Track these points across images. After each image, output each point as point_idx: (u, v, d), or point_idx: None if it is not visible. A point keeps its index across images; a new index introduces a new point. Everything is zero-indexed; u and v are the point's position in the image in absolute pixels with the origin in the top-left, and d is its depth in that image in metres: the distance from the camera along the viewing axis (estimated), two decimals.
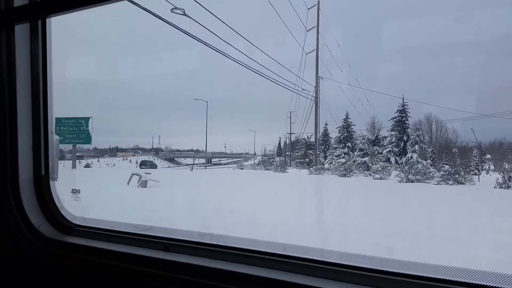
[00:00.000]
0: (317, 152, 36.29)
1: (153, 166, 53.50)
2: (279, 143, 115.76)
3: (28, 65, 2.00)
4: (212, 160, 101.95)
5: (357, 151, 30.30)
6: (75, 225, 2.22)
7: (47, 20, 2.03)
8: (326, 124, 52.72)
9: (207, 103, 50.24)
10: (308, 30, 31.68)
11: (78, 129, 23.80)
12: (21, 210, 2.07)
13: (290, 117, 62.45)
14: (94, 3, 1.69)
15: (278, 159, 74.02)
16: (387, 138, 45.04)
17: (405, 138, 42.97)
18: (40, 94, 2.07)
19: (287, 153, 69.26)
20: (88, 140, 23.76)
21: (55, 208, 2.22)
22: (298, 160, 56.64)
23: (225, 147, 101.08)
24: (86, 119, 23.64)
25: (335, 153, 34.73)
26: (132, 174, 12.57)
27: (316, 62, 32.18)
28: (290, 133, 63.74)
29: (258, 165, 57.94)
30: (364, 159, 27.18)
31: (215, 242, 1.83)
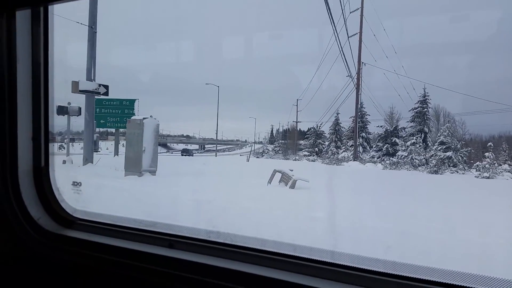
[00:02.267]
0: (356, 143, 34.32)
1: (190, 153, 51.22)
2: (272, 131, 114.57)
3: (29, 52, 1.95)
4: (206, 146, 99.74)
5: (437, 144, 28.49)
6: (76, 218, 2.16)
7: (49, 6, 1.98)
8: (338, 113, 51.38)
9: (219, 88, 47.91)
10: (351, 12, 29.34)
11: (121, 112, 20.87)
12: (20, 201, 2.03)
13: (297, 105, 61.02)
14: None
15: (271, 147, 72.84)
16: (405, 129, 44.16)
17: (426, 129, 42.13)
18: (41, 83, 2.00)
19: (287, 141, 67.94)
20: None
21: (55, 200, 2.16)
22: (307, 150, 55.25)
23: (216, 133, 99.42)
24: (132, 101, 20.74)
25: (407, 145, 32.65)
26: (275, 171, 10.11)
27: (359, 46, 29.98)
28: (297, 121, 62.21)
29: (264, 153, 55.86)
30: (448, 153, 25.38)
31: (221, 240, 1.78)
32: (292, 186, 9.53)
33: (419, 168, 25.46)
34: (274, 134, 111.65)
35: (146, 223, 2.13)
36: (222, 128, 53.23)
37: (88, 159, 13.71)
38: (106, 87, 13.78)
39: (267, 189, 9.81)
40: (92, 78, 13.46)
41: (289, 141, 65.34)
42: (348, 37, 28.85)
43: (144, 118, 11.54)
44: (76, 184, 5.61)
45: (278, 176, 10.37)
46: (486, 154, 31.44)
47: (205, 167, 18.22)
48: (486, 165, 19.97)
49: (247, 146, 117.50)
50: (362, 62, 30.04)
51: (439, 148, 26.76)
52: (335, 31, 28.71)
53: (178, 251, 1.79)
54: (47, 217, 2.12)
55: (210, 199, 7.66)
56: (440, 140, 27.14)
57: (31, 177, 2.08)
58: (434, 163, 22.66)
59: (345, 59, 31.19)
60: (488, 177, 18.74)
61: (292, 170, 10.20)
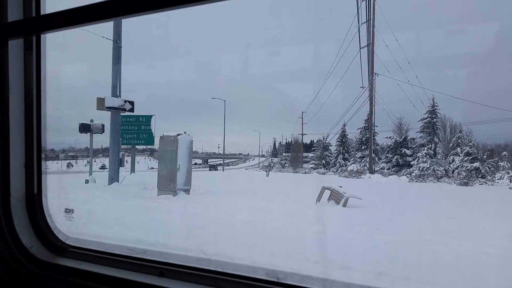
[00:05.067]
0: (371, 155, 33.82)
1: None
2: (274, 144, 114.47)
3: (21, 80, 1.98)
4: (209, 161, 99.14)
5: (462, 155, 27.98)
6: (68, 245, 2.13)
7: (42, 35, 2.01)
8: (344, 125, 51.08)
9: (225, 102, 47.63)
10: (363, 23, 29.16)
11: (138, 129, 20.44)
12: (11, 229, 2.00)
13: (302, 118, 60.72)
14: (90, 21, 1.69)
15: (276, 160, 72.32)
16: (414, 140, 43.84)
17: (436, 139, 41.80)
18: (33, 110, 2.02)
19: (291, 154, 67.43)
20: (150, 141, 20.44)
21: (48, 227, 2.14)
22: (313, 162, 54.73)
23: (218, 147, 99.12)
24: (148, 117, 20.31)
25: (418, 155, 32.16)
26: (324, 189, 9.59)
27: (372, 57, 29.72)
28: (302, 134, 61.80)
29: (272, 167, 55.25)
30: (475, 164, 24.87)
31: (212, 268, 1.77)
32: (345, 205, 9.00)
33: (442, 179, 25.00)
34: (277, 147, 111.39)
35: (137, 250, 2.12)
36: (225, 142, 52.88)
37: (114, 178, 13.17)
38: (132, 103, 13.34)
39: (319, 208, 9.29)
40: (118, 94, 13.00)
41: (292, 153, 64.86)
42: (360, 48, 28.60)
43: (178, 135, 11.05)
44: (68, 211, 5.24)
45: (326, 193, 9.84)
46: (501, 164, 31.08)
47: (233, 184, 17.67)
48: None
49: (250, 160, 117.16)
50: (375, 73, 29.73)
51: (465, 159, 26.27)
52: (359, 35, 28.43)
53: (169, 280, 1.78)
54: (40, 245, 2.10)
55: (270, 221, 7.13)
56: (466, 151, 26.65)
57: (24, 204, 2.07)
58: (464, 174, 22.08)
59: (361, 69, 30.82)
60: None
61: (341, 187, 9.68)
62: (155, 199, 10.34)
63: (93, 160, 18.86)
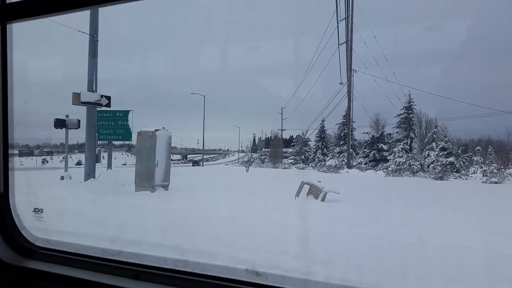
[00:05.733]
0: (349, 150, 34.19)
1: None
2: (254, 140, 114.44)
3: None
4: (188, 156, 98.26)
5: (437, 149, 28.48)
6: (37, 247, 2.02)
7: (8, 25, 1.90)
8: (323, 121, 51.55)
9: (205, 97, 47.35)
10: (341, 20, 29.40)
11: (115, 124, 20.10)
12: None
13: (282, 113, 60.93)
14: (57, 11, 1.63)
15: (256, 155, 72.46)
16: (391, 135, 44.65)
17: (412, 135, 42.66)
18: None
19: (270, 149, 67.64)
20: (127, 136, 20.16)
21: (15, 228, 2.04)
22: (293, 157, 55.05)
23: (197, 143, 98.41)
24: (125, 112, 20.02)
25: (394, 150, 32.67)
26: (303, 183, 9.64)
27: (350, 53, 30.02)
28: (282, 129, 62.03)
29: (251, 162, 55.29)
30: (449, 159, 25.37)
31: (189, 270, 1.71)
32: (323, 199, 9.08)
33: (417, 174, 25.54)
34: (256, 143, 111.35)
35: (111, 252, 2.05)
36: (204, 137, 52.44)
37: (90, 175, 12.91)
38: (108, 98, 13.08)
39: (298, 203, 9.32)
40: (94, 89, 12.72)
41: (272, 149, 65.09)
42: (339, 45, 28.85)
43: (156, 130, 10.89)
44: (37, 211, 5.05)
45: (305, 188, 9.89)
46: (475, 158, 31.99)
47: (213, 179, 17.58)
48: (494, 170, 20.01)
49: (230, 155, 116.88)
50: (354, 70, 30.06)
51: (440, 153, 26.87)
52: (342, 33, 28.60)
53: (144, 282, 1.71)
54: (6, 247, 2.00)
55: (249, 217, 7.13)
56: (441, 146, 27.25)
57: None
58: (439, 169, 22.60)
59: (340, 66, 31.07)
60: (496, 182, 18.77)
61: (320, 182, 9.75)
62: (132, 196, 10.17)
63: (69, 156, 18.41)
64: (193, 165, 53.67)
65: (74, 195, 10.13)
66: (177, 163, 74.34)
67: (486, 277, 4.04)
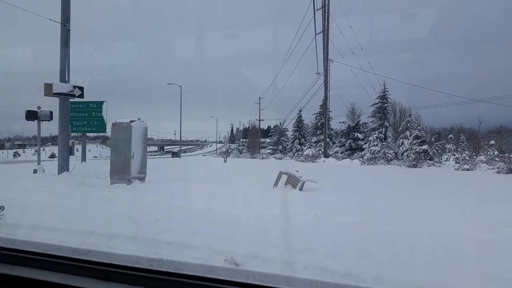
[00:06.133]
0: (326, 139, 34.49)
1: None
2: (232, 130, 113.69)
3: None
4: (165, 147, 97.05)
5: (411, 138, 28.95)
6: None
7: None
8: (300, 111, 51.83)
9: (181, 88, 46.74)
10: (318, 9, 29.45)
11: (89, 115, 19.69)
12: None
13: (259, 103, 60.84)
14: None
15: (234, 146, 72.36)
16: (366, 124, 45.36)
17: (386, 124, 43.46)
18: None
19: (248, 139, 67.62)
20: (102, 128, 19.79)
21: None
22: (271, 147, 55.24)
23: (174, 134, 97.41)
24: (99, 103, 19.62)
25: (369, 139, 33.12)
26: (281, 173, 9.67)
27: (326, 43, 30.14)
28: (259, 119, 62.02)
29: (229, 153, 55.15)
30: (423, 147, 25.83)
31: (164, 269, 1.60)
32: (301, 188, 9.13)
33: (392, 162, 26.03)
34: (234, 133, 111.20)
35: (79, 251, 1.92)
36: (182, 128, 51.86)
37: (63, 167, 12.58)
38: (81, 89, 12.71)
39: (277, 192, 9.34)
40: (67, 80, 12.33)
41: (250, 139, 65.14)
42: (316, 34, 28.89)
43: (131, 121, 10.68)
44: None
45: (283, 177, 9.92)
46: (447, 146, 32.84)
47: (190, 171, 17.43)
48: (466, 157, 20.56)
49: (207, 146, 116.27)
50: (330, 59, 30.20)
51: (414, 142, 27.43)
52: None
53: (115, 284, 1.62)
54: None
55: (228, 207, 7.09)
56: (415, 134, 27.80)
57: None
58: (413, 157, 23.08)
59: (317, 55, 31.12)
60: (468, 169, 19.31)
61: (298, 171, 9.80)
62: (107, 188, 9.98)
63: (42, 149, 17.91)
64: (172, 156, 53.94)
65: (46, 189, 9.86)
66: (153, 155, 73.53)
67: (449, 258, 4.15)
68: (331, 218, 6.35)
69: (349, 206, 7.31)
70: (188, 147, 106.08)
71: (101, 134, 26.76)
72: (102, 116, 19.48)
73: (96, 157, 45.34)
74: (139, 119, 10.92)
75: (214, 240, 4.73)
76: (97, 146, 74.50)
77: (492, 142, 25.78)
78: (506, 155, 19.10)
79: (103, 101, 19.53)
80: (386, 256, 4.32)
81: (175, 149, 77.35)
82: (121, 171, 10.70)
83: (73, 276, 1.65)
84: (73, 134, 20.64)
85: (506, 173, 16.88)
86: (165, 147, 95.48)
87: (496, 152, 22.25)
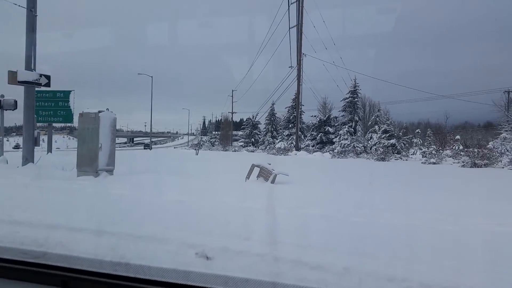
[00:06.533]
0: (298, 133, 34.72)
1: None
2: (204, 122, 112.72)
3: None
4: (135, 139, 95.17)
5: (379, 132, 29.43)
6: None
7: None
8: (273, 104, 51.98)
9: (152, 78, 45.86)
10: (292, 3, 29.49)
11: (55, 105, 19.03)
12: None
13: (232, 96, 60.51)
14: None
15: (206, 138, 71.92)
16: (337, 118, 46.08)
17: (356, 118, 44.27)
18: None
19: (221, 132, 67.29)
20: (69, 118, 19.21)
21: None
22: (243, 140, 55.19)
23: (145, 125, 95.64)
24: (67, 93, 19.01)
25: (340, 133, 33.47)
26: (253, 166, 9.67)
27: (300, 37, 30.24)
28: (232, 112, 61.74)
29: (201, 146, 54.70)
30: (391, 141, 26.33)
31: (132, 275, 1.43)
32: (273, 181, 9.15)
33: (361, 155, 26.53)
34: (206, 126, 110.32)
35: (33, 254, 1.72)
36: (153, 120, 50.83)
37: (28, 159, 12.11)
38: (48, 77, 12.23)
39: (249, 185, 9.32)
40: (32, 68, 11.82)
41: (222, 132, 64.85)
42: (289, 28, 28.93)
43: (99, 111, 10.37)
44: None
45: (256, 170, 9.91)
46: (415, 140, 33.78)
47: (161, 163, 17.15)
48: (433, 152, 21.18)
49: (179, 138, 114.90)
50: (303, 53, 30.33)
51: (382, 136, 28.02)
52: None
53: None
54: None
55: (199, 200, 7.02)
56: (383, 128, 28.41)
57: None
58: (381, 150, 23.61)
59: (290, 49, 31.13)
60: (435, 163, 19.91)
61: (270, 164, 9.80)
62: (74, 181, 9.68)
63: (6, 139, 17.20)
64: (144, 148, 53.61)
65: (8, 180, 9.45)
66: (123, 147, 72.11)
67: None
68: (302, 210, 6.39)
69: (320, 198, 7.38)
70: (159, 139, 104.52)
71: (68, 124, 25.90)
72: (69, 106, 18.88)
73: (58, 148, 43.73)
74: (107, 109, 10.62)
75: (185, 234, 4.66)
76: (63, 137, 72.25)
77: (458, 137, 26.68)
78: (471, 149, 19.84)
79: (71, 91, 18.90)
80: (355, 247, 4.38)
81: (146, 140, 76.06)
82: (88, 163, 10.40)
83: (25, 284, 1.46)
84: (38, 124, 19.92)
85: (470, 166, 17.53)
86: (134, 139, 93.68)
87: (461, 147, 23.08)
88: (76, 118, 14.51)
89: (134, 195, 7.70)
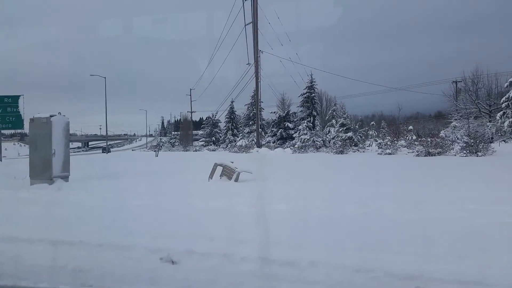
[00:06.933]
0: (258, 129, 34.81)
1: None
2: (162, 123, 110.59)
3: None
4: (90, 143, 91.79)
5: (337, 126, 29.88)
6: None
7: None
8: (232, 102, 51.87)
9: (105, 79, 44.44)
10: (246, 0, 29.51)
11: (3, 111, 18.04)
12: None
13: (191, 95, 59.71)
14: None
15: (166, 139, 70.72)
16: (296, 114, 46.73)
17: (314, 113, 45.12)
18: None
19: (180, 132, 66.31)
20: (18, 124, 18.27)
21: None
22: (204, 139, 54.70)
23: (100, 128, 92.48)
24: (15, 98, 18.11)
25: (299, 128, 33.84)
26: (216, 165, 9.60)
27: (256, 34, 30.32)
28: (191, 111, 60.94)
29: (161, 147, 53.72)
30: (348, 134, 26.86)
31: None
32: (237, 179, 9.10)
33: (321, 149, 27.05)
34: (165, 126, 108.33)
35: None
36: (108, 122, 49.15)
37: None
38: None
39: (212, 185, 9.20)
40: None
41: (182, 132, 63.97)
42: (245, 25, 28.92)
43: (51, 116, 9.89)
44: None
45: (219, 169, 9.81)
46: (370, 132, 34.86)
47: (119, 167, 16.62)
48: (388, 143, 21.90)
49: (137, 140, 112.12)
50: (260, 50, 30.42)
51: (340, 129, 28.67)
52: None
53: None
54: None
55: (162, 203, 6.86)
56: (341, 122, 29.06)
57: None
58: (340, 144, 24.18)
59: (247, 46, 31.09)
60: (390, 154, 20.62)
61: (233, 162, 9.74)
62: (27, 189, 9.18)
63: None
64: (103, 152, 53.11)
65: None
66: (78, 151, 69.44)
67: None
68: (267, 207, 6.39)
69: (284, 195, 7.41)
70: (116, 142, 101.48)
71: (19, 131, 24.66)
72: (19, 112, 17.90)
73: (5, 157, 41.46)
74: (59, 113, 10.16)
75: (149, 239, 4.53)
76: (14, 144, 68.55)
77: (411, 127, 27.83)
78: (423, 139, 20.72)
79: (20, 95, 17.93)
80: (321, 241, 4.43)
81: (101, 144, 73.78)
82: (41, 170, 9.90)
83: None
84: None
85: (425, 155, 18.31)
86: (90, 143, 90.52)
87: (414, 137, 24.07)
88: (27, 124, 13.83)
89: (92, 202, 7.40)
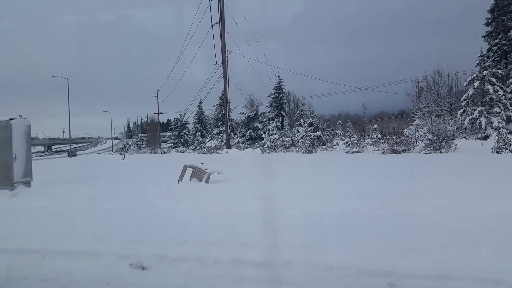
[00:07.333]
0: (228, 130, 34.65)
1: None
2: (128, 125, 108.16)
3: None
4: (53, 147, 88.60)
5: (305, 125, 30.03)
6: None
7: None
8: (200, 102, 51.48)
9: (68, 80, 43.07)
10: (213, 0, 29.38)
11: None
12: None
13: (157, 96, 58.70)
14: None
15: (131, 141, 69.30)
16: (264, 114, 46.94)
17: (282, 113, 45.51)
18: None
19: (147, 134, 65.12)
20: None
21: None
22: (172, 141, 53.95)
23: (63, 131, 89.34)
24: None
25: (268, 128, 33.89)
26: (185, 167, 9.47)
27: (223, 34, 30.21)
28: (158, 113, 59.91)
29: (127, 149, 52.51)
30: (316, 133, 27.09)
31: None
32: (207, 181, 9.00)
33: (290, 149, 27.28)
34: (131, 128, 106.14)
35: None
36: (72, 125, 47.70)
37: None
38: None
39: (182, 187, 9.04)
40: None
41: (149, 134, 62.84)
42: (212, 25, 28.75)
43: (11, 119, 9.44)
44: None
45: (188, 171, 9.68)
46: (337, 131, 35.47)
47: (84, 171, 16.10)
48: (355, 141, 22.32)
49: (102, 143, 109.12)
50: (227, 51, 30.32)
51: (308, 129, 28.98)
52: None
53: None
54: None
55: (130, 207, 6.68)
56: (309, 122, 29.37)
57: None
58: (308, 143, 24.45)
59: (214, 46, 30.87)
60: (357, 152, 21.05)
61: (203, 164, 9.63)
62: None
63: None
64: (69, 156, 51.42)
65: None
66: (40, 156, 66.93)
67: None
68: (239, 208, 6.34)
69: (255, 195, 7.39)
70: (80, 145, 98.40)
71: None
72: None
73: None
74: (20, 116, 9.72)
75: (117, 244, 4.39)
76: None
77: (375, 126, 28.50)
78: (388, 137, 21.26)
79: None
80: (294, 240, 4.43)
81: (65, 148, 71.39)
82: (1, 176, 9.42)
83: None
84: None
85: (390, 153, 18.79)
86: (53, 147, 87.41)
87: (379, 135, 24.67)
88: None
89: (56, 207, 7.11)
